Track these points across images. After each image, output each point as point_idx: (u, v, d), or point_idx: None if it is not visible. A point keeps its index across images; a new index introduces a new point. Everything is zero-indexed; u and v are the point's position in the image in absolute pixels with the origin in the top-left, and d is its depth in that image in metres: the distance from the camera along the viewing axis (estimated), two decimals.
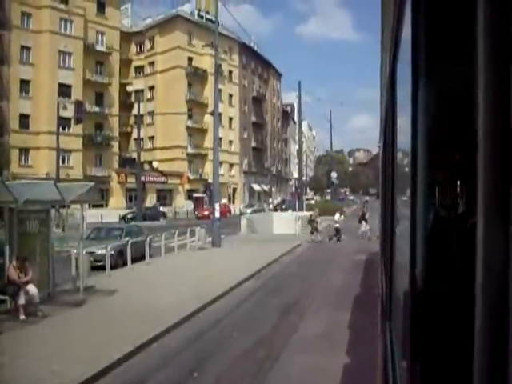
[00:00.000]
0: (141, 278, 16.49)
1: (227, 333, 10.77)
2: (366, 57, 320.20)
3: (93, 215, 50.16)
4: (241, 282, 15.96)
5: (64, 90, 56.05)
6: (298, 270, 19.27)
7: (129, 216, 51.66)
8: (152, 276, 16.96)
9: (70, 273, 14.97)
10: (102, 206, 59.68)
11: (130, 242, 18.55)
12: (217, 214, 25.43)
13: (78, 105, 27.37)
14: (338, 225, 30.76)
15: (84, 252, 15.92)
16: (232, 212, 65.71)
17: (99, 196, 20.61)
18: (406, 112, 1.88)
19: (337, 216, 31.32)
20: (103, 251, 18.16)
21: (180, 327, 11.08)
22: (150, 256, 21.09)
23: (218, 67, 26.77)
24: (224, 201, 73.47)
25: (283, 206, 68.30)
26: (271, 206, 72.26)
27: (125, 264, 18.85)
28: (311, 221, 30.69)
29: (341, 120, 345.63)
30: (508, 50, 0.67)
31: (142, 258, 20.02)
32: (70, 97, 55.77)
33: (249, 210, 64.12)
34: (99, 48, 62.21)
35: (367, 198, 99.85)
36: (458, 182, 2.43)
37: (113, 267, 18.39)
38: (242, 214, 58.43)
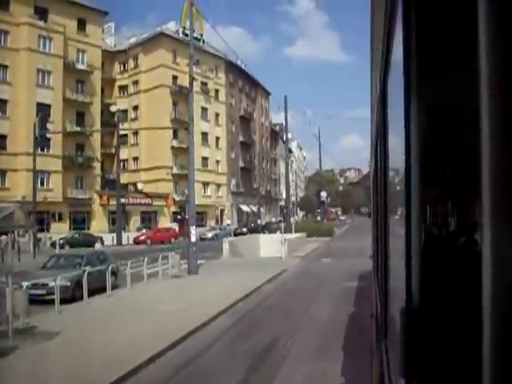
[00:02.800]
0: (95, 315, 14.14)
1: None
2: (355, 77, 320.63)
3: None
4: (211, 318, 13.59)
5: (43, 109, 53.59)
6: (279, 303, 16.80)
7: (61, 242, 44.40)
8: (109, 312, 14.60)
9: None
10: (83, 228, 57.67)
11: (86, 272, 16.25)
12: (193, 239, 23.13)
13: (42, 121, 25.17)
14: None
15: (29, 285, 13.84)
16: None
17: (28, 221, 18.14)
18: (397, 130, 1.92)
19: None
20: (57, 282, 16.03)
21: None
22: (115, 287, 18.89)
23: (192, 79, 25.04)
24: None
25: (244, 230, 64.64)
26: (231, 228, 66.64)
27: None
28: None
29: (331, 140, 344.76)
30: (500, 68, 0.67)
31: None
32: (49, 116, 53.60)
33: (210, 234, 60.00)
34: (80, 66, 60.14)
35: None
36: (452, 201, 2.48)
37: (70, 301, 16.27)
38: (202, 239, 54.00)
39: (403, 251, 1.73)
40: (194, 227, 23.45)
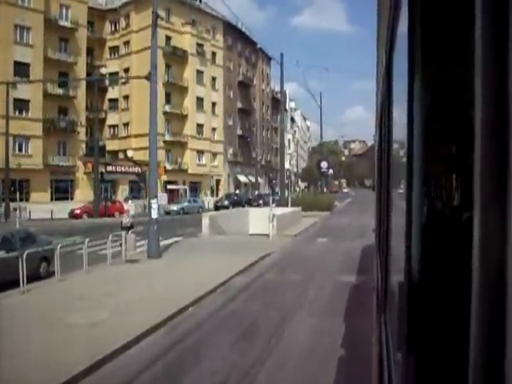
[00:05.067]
0: None
1: None
2: (362, 49, 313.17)
3: (46, 210, 43.83)
4: (142, 334, 9.38)
5: (21, 68, 49.42)
6: (243, 310, 12.04)
7: None
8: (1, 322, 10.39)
9: None
10: (66, 198, 53.66)
11: None
12: (154, 215, 18.82)
13: None
14: None
15: None
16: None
17: None
18: (401, 105, 1.94)
19: None
20: None
21: None
22: (47, 276, 14.87)
23: (156, 16, 20.90)
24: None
25: (225, 203, 58.30)
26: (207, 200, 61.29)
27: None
28: None
29: (336, 112, 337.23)
30: (504, 44, 0.68)
31: (33, 279, 13.79)
32: (28, 76, 49.50)
33: (174, 207, 53.14)
34: (63, 23, 55.35)
35: None
36: (454, 175, 2.57)
37: None
38: (167, 213, 47.88)
39: (405, 225, 1.76)
40: (155, 200, 19.02)
